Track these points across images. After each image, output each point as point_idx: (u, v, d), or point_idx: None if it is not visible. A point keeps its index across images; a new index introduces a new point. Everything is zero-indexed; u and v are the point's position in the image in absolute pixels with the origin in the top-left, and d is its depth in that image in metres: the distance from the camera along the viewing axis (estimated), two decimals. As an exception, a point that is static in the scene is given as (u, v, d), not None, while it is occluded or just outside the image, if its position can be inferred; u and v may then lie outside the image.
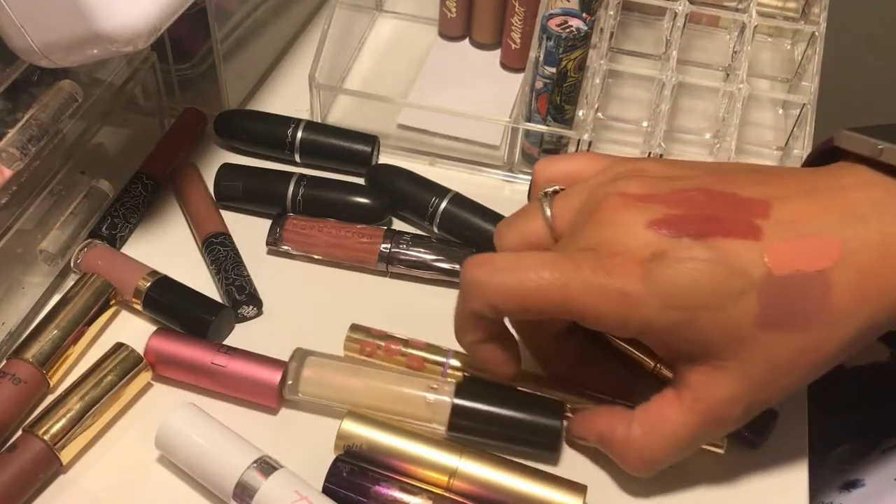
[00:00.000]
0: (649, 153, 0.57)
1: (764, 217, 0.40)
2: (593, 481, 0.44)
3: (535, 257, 0.41)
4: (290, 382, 0.47)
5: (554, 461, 0.47)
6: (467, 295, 0.42)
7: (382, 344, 0.49)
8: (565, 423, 0.46)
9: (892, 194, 0.41)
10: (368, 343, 0.49)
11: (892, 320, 0.41)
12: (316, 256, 0.55)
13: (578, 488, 0.43)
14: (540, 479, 0.43)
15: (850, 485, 0.53)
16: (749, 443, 0.47)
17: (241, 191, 0.57)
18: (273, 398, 0.47)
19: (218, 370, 0.47)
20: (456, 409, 0.46)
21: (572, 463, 0.46)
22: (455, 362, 0.48)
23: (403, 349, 0.49)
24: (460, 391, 0.46)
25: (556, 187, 0.45)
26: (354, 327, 0.50)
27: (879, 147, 0.41)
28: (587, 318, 0.41)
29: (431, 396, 0.46)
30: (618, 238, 0.40)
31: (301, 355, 0.47)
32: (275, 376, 0.47)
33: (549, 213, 0.44)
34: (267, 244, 0.55)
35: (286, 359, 0.48)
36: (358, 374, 0.47)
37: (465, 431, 0.46)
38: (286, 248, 0.55)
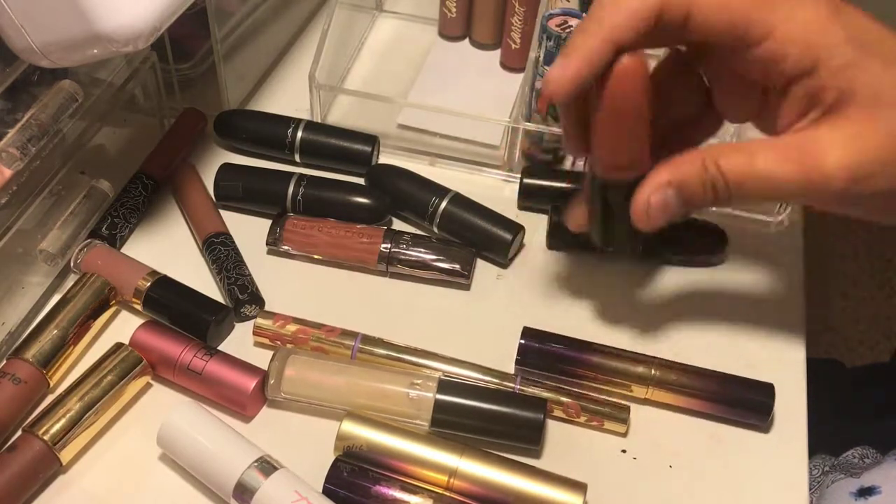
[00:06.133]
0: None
1: None
2: (593, 480, 0.44)
3: None
4: (272, 382, 0.47)
5: (536, 454, 0.47)
6: None
7: (290, 335, 0.49)
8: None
9: None
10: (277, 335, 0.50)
11: None
12: (316, 256, 0.55)
13: (579, 486, 0.43)
14: (540, 478, 0.43)
15: (867, 491, 0.53)
16: (754, 417, 0.48)
17: (241, 190, 0.57)
18: (244, 406, 0.47)
19: (193, 373, 0.47)
20: (438, 405, 0.46)
21: (570, 461, 0.46)
22: (363, 345, 0.49)
23: (315, 335, 0.50)
24: (443, 387, 0.46)
25: None
26: (264, 314, 0.50)
27: None
28: (778, 29, 0.39)
29: (414, 393, 0.46)
30: None
31: (283, 354, 0.47)
32: (248, 384, 0.47)
33: None
34: (267, 244, 0.55)
35: (286, 359, 0.48)
36: (341, 373, 0.47)
37: (448, 427, 0.46)
38: (286, 248, 0.55)
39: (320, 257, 0.55)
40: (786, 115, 0.42)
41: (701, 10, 0.40)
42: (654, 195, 0.42)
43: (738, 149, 0.41)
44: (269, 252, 0.56)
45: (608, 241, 0.47)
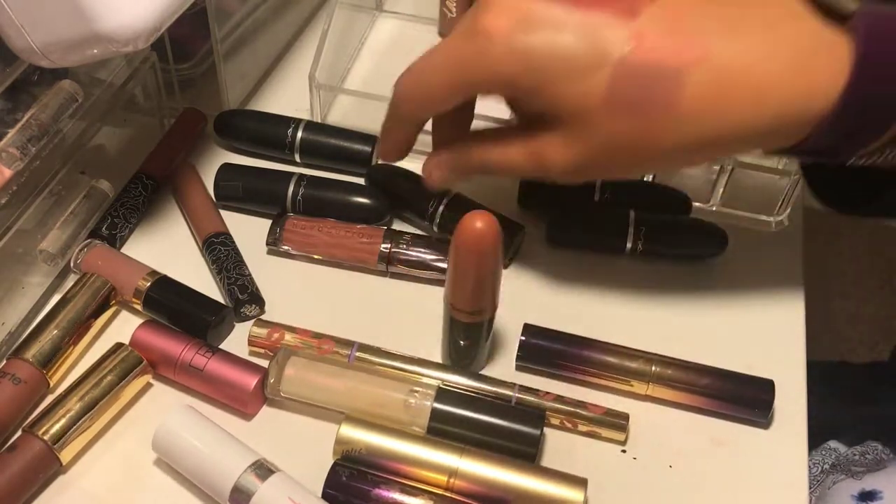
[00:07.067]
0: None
1: (650, 2, 0.41)
2: (593, 480, 0.44)
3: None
4: (271, 381, 0.47)
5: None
6: (400, 102, 0.49)
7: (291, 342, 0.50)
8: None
9: (795, 18, 0.41)
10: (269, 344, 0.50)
11: (740, 140, 0.42)
12: (316, 256, 0.55)
13: (579, 482, 0.43)
14: (541, 475, 0.43)
15: (868, 496, 0.53)
16: (754, 413, 0.48)
17: (241, 190, 0.57)
18: (246, 403, 0.47)
19: (195, 370, 0.47)
20: (435, 414, 0.45)
21: (569, 461, 0.46)
22: (360, 353, 0.49)
23: (307, 342, 0.50)
24: (441, 396, 0.46)
25: None
26: (259, 323, 0.50)
27: None
28: (467, 79, 0.44)
29: (412, 400, 0.46)
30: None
31: (284, 354, 0.47)
32: (250, 382, 0.47)
33: None
34: (267, 244, 0.55)
35: (286, 359, 0.48)
36: (340, 376, 0.47)
37: (443, 436, 0.45)
38: (286, 248, 0.55)
39: (320, 257, 0.55)
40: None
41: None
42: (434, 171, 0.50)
43: (497, 140, 0.48)
44: (269, 252, 0.56)
45: (453, 361, 0.50)
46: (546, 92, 0.42)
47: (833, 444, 0.61)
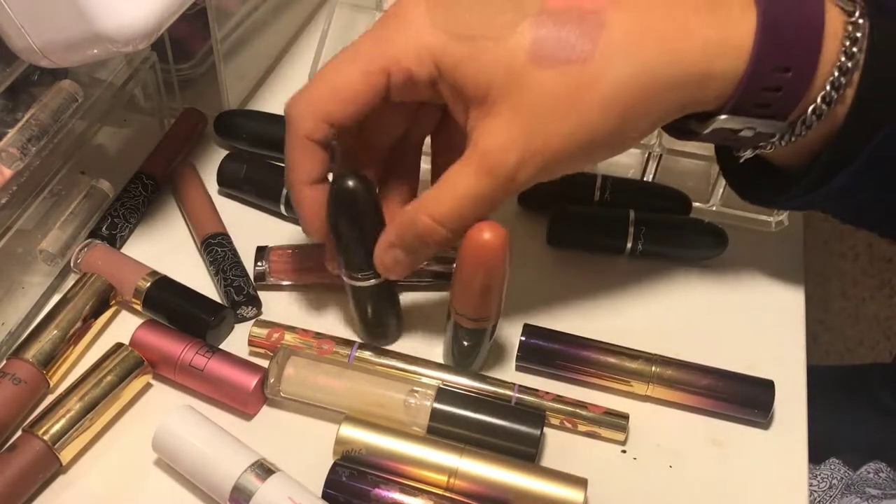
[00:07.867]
0: (648, 154, 0.57)
1: None
2: (593, 480, 0.44)
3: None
4: (271, 381, 0.47)
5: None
6: (293, 119, 0.44)
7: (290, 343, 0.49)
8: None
9: None
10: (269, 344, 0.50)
11: (672, 76, 0.40)
12: (311, 282, 0.53)
13: (579, 482, 0.43)
14: (541, 475, 0.43)
15: None
16: (754, 413, 0.48)
17: (244, 175, 0.57)
18: (246, 403, 0.47)
19: (195, 370, 0.47)
20: (435, 414, 0.45)
21: (569, 461, 0.46)
22: (360, 353, 0.49)
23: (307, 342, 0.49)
24: (441, 396, 0.46)
25: None
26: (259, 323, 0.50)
27: None
28: (383, 62, 0.42)
29: (412, 400, 0.46)
30: None
31: (284, 354, 0.47)
32: (250, 382, 0.47)
33: None
34: (255, 281, 0.53)
35: (285, 359, 0.48)
36: (340, 376, 0.47)
37: (443, 436, 0.45)
38: (275, 279, 0.53)
39: (316, 281, 0.53)
40: (459, 118, 0.43)
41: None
42: (385, 257, 0.45)
43: (442, 185, 0.42)
44: (259, 288, 0.53)
45: (455, 362, 0.50)
46: (472, 61, 0.41)
47: (838, 460, 0.61)
